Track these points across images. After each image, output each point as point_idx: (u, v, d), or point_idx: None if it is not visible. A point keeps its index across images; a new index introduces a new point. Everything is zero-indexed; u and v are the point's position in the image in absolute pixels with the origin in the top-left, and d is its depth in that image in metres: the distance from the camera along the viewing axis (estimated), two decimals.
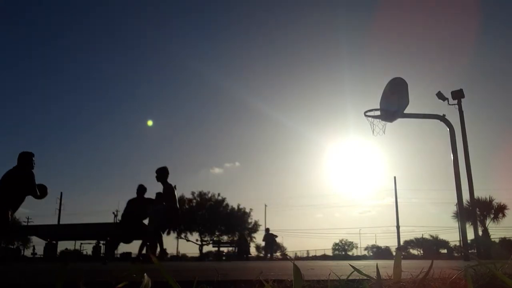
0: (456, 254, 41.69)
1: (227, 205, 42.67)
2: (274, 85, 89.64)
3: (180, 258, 43.46)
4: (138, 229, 8.49)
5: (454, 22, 74.54)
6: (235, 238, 37.49)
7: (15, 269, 3.79)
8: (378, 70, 68.77)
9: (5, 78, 72.47)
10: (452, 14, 73.03)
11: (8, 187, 6.35)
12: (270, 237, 21.90)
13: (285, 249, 54.28)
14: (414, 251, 54.60)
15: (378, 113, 10.09)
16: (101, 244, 33.33)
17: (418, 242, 54.95)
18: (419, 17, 77.13)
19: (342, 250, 59.52)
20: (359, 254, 55.01)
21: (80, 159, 75.75)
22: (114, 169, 78.09)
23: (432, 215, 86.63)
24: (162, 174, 7.98)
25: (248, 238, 35.63)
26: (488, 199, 24.28)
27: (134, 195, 8.66)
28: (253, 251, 41.69)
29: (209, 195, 42.75)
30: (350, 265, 1.34)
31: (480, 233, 21.21)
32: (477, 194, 20.87)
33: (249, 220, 42.95)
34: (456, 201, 9.74)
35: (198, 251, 43.03)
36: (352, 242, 60.77)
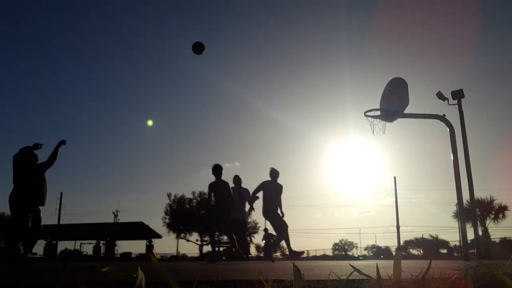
0: (456, 254, 41.67)
1: None
2: (274, 85, 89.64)
3: (180, 258, 43.46)
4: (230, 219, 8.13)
5: (454, 22, 74.54)
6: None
7: (15, 269, 3.79)
8: (378, 70, 68.78)
9: (5, 78, 72.47)
10: (452, 14, 73.02)
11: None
12: (269, 238, 21.91)
13: (285, 249, 54.26)
14: (414, 251, 54.63)
15: (378, 113, 10.07)
16: (101, 244, 33.34)
17: (418, 242, 54.95)
18: (419, 17, 77.12)
19: (342, 250, 59.53)
20: (359, 254, 55.01)
21: (80, 159, 75.77)
22: (114, 169, 78.11)
23: (432, 215, 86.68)
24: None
25: (248, 238, 35.64)
26: (489, 199, 24.30)
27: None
28: (253, 251, 41.71)
29: None
30: (350, 265, 1.34)
31: (480, 233, 21.24)
32: (477, 194, 20.89)
33: (249, 220, 42.92)
34: (456, 201, 9.73)
35: (198, 251, 43.04)
36: (352, 242, 60.84)
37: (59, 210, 38.66)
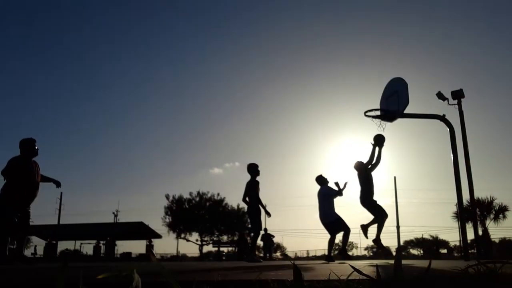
0: (456, 254, 41.71)
1: (226, 204, 42.67)
2: (274, 85, 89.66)
3: (180, 258, 43.46)
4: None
5: (454, 22, 74.56)
6: (235, 238, 37.49)
7: (15, 269, 3.79)
8: (378, 70, 68.80)
9: (5, 78, 72.47)
10: (452, 14, 73.05)
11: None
12: (268, 237, 21.94)
13: (285, 249, 54.30)
14: (414, 251, 54.61)
15: (378, 113, 10.07)
16: (101, 244, 33.34)
17: (418, 242, 54.90)
18: (419, 17, 77.14)
19: None
20: (359, 254, 55.00)
21: (80, 159, 75.74)
22: (114, 169, 78.13)
23: (432, 215, 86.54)
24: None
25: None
26: (489, 199, 24.26)
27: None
28: None
29: (209, 195, 42.77)
30: (350, 265, 1.34)
31: (480, 233, 21.22)
32: (477, 194, 20.87)
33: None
34: (456, 201, 9.73)
35: (198, 251, 43.05)
36: (352, 242, 60.76)
37: (59, 210, 38.65)
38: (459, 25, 76.49)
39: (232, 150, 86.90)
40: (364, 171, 7.82)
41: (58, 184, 6.79)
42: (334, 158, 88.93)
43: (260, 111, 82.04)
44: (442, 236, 54.83)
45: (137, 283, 1.02)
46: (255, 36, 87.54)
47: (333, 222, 8.36)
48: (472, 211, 13.54)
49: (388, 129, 10.14)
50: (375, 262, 9.04)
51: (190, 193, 42.26)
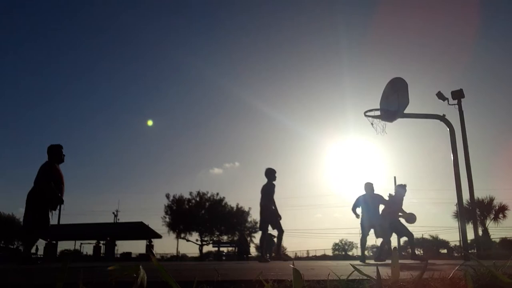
0: (456, 254, 41.68)
1: (226, 204, 42.69)
2: (274, 85, 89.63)
3: (180, 258, 43.46)
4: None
5: (454, 22, 74.55)
6: (235, 238, 37.51)
7: (15, 269, 3.79)
8: (378, 70, 68.79)
9: (4, 77, 72.46)
10: (452, 14, 73.06)
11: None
12: (267, 237, 21.89)
13: (285, 249, 54.26)
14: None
15: (378, 113, 10.08)
16: (101, 244, 33.35)
17: (418, 242, 54.90)
18: (419, 16, 77.15)
19: (342, 250, 59.50)
20: (359, 254, 54.95)
21: (80, 159, 75.69)
22: (114, 169, 78.10)
23: (432, 215, 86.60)
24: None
25: (248, 238, 35.64)
26: (489, 199, 24.28)
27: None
28: (253, 251, 41.66)
29: (208, 195, 42.79)
30: (351, 265, 1.34)
31: (480, 233, 21.24)
32: (477, 194, 20.89)
33: (249, 220, 42.95)
34: (456, 201, 9.73)
35: (198, 251, 43.05)
36: (352, 242, 60.74)
37: (59, 210, 38.64)
38: (459, 25, 76.48)
39: (232, 150, 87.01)
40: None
41: (61, 202, 6.90)
42: (334, 158, 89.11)
43: (260, 111, 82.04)
44: (442, 236, 54.91)
45: (143, 278, 1.02)
46: (255, 36, 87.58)
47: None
48: (472, 211, 13.55)
49: (388, 129, 10.15)
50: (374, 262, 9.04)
51: (190, 193, 42.36)
